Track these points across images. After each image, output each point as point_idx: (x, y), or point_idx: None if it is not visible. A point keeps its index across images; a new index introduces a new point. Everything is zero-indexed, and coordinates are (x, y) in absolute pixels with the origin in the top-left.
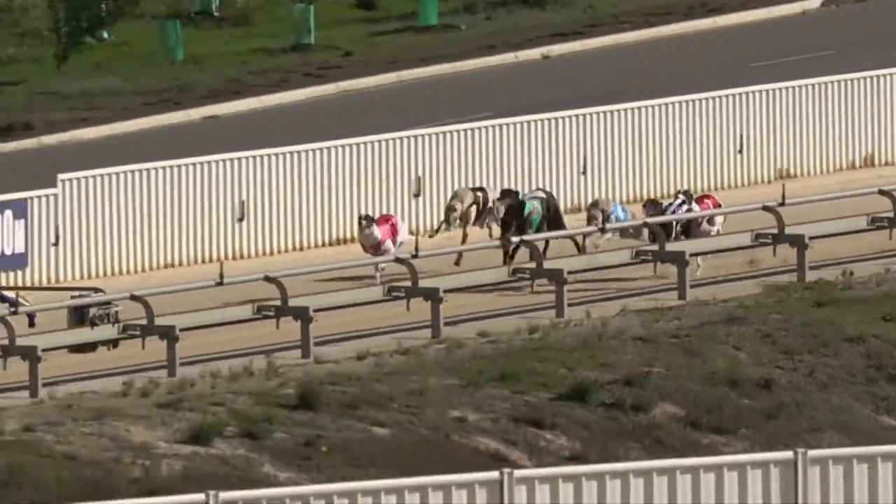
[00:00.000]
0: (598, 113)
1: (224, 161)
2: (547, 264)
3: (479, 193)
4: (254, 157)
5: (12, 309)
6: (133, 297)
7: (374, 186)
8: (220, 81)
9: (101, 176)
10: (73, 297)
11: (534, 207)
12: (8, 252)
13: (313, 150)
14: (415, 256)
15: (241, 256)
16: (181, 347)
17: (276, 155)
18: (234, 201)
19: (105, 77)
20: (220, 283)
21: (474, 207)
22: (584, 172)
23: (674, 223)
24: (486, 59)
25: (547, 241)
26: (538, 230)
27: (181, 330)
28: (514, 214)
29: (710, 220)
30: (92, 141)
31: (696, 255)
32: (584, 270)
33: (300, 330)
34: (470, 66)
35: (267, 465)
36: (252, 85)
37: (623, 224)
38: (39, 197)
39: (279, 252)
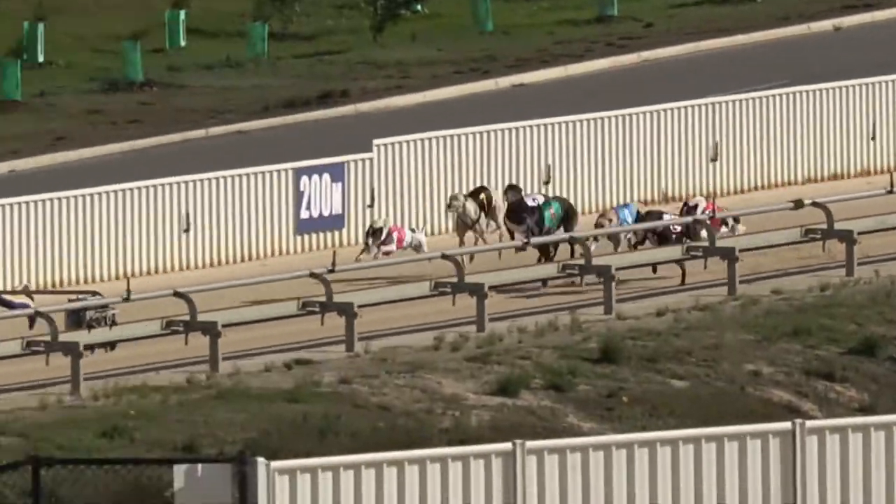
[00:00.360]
0: (886, 81)
1: (531, 127)
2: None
3: (483, 194)
4: (558, 124)
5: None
6: (444, 256)
7: (673, 152)
8: (527, 51)
9: (415, 141)
10: (70, 301)
11: (551, 212)
12: (326, 213)
13: (615, 117)
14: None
15: None
16: (490, 304)
17: (580, 121)
18: (540, 165)
19: (419, 47)
20: (526, 244)
21: (476, 208)
22: (874, 138)
23: (670, 228)
24: (780, 30)
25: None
26: (550, 232)
27: (490, 288)
28: (529, 213)
29: (724, 223)
30: (406, 108)
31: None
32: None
33: (603, 288)
34: (765, 37)
35: (571, 415)
36: (558, 54)
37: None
38: (356, 161)
39: (583, 213)
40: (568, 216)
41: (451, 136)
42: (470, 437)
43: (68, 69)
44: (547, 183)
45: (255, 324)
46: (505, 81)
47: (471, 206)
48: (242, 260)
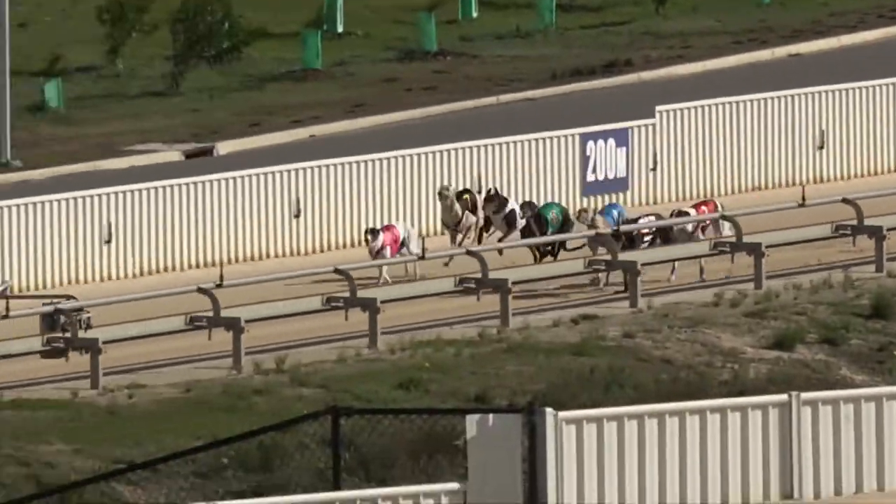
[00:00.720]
0: None
1: (805, 95)
2: None
3: (467, 196)
4: (832, 92)
5: None
6: (723, 217)
7: None
8: (803, 22)
9: (696, 108)
10: (44, 305)
11: (553, 215)
12: (611, 176)
13: (886, 86)
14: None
15: (821, 180)
16: (767, 263)
17: (853, 89)
18: (814, 131)
19: (699, 18)
20: (802, 205)
21: (465, 211)
22: None
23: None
24: None
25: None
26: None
27: (767, 247)
28: (535, 220)
29: (703, 229)
30: (686, 76)
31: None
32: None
33: (874, 247)
34: None
35: (843, 368)
36: (832, 25)
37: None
38: (639, 127)
39: (856, 176)
40: (565, 221)
41: (730, 104)
42: (748, 389)
43: (366, 39)
44: (821, 148)
45: (542, 281)
46: (781, 51)
47: (457, 206)
48: None
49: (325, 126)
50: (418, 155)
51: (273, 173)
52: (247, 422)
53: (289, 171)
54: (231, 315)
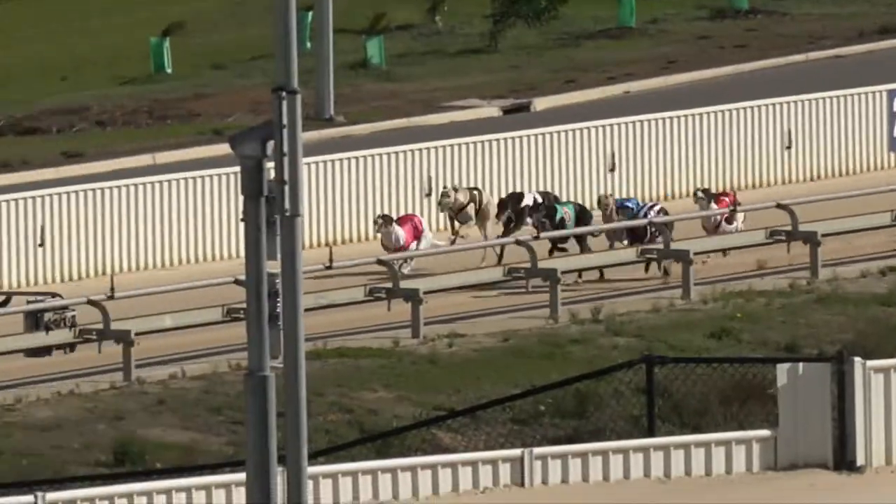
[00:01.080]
0: None
1: None
2: None
3: (475, 192)
4: None
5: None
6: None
7: None
8: None
9: None
10: (28, 303)
11: (566, 212)
12: None
13: None
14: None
15: None
16: None
17: None
18: None
19: None
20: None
21: (472, 206)
22: None
23: (645, 227)
24: None
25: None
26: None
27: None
28: (546, 216)
29: (729, 219)
30: None
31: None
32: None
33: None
34: None
35: None
36: None
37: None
38: None
39: None
40: (581, 218)
41: None
42: None
43: None
44: None
45: (851, 234)
46: None
47: (461, 196)
48: (839, 175)
49: (639, 82)
50: (730, 111)
51: (588, 128)
52: (563, 370)
53: (603, 127)
54: (547, 266)
